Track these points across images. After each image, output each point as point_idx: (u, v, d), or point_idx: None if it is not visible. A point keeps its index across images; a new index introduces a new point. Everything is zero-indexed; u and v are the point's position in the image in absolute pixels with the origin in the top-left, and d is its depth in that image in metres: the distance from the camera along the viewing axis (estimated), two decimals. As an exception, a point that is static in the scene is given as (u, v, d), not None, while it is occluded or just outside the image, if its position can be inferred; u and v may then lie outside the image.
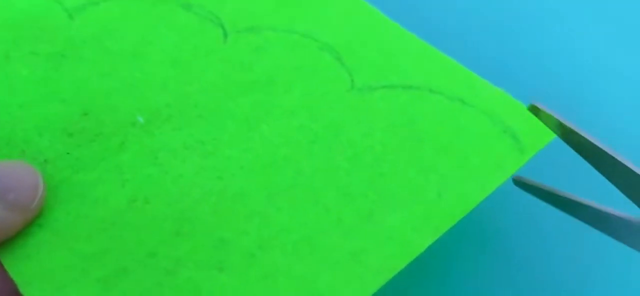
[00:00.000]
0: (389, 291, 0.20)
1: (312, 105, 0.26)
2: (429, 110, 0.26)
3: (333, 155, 0.23)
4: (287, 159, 0.23)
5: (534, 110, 0.25)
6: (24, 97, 0.24)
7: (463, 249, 0.30)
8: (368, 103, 0.26)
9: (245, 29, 0.29)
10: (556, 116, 0.24)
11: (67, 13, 0.28)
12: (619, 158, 0.22)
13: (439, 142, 0.24)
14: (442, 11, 0.43)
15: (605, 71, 0.40)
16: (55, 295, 0.19)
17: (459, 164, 0.23)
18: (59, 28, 0.27)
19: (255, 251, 0.20)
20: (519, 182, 0.27)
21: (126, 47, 0.27)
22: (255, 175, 0.23)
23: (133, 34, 0.28)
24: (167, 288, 0.19)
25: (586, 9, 0.45)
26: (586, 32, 0.43)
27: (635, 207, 0.23)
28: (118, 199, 0.22)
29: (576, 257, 0.30)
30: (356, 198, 0.22)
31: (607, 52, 0.42)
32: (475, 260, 0.30)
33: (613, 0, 0.46)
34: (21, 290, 0.19)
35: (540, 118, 0.25)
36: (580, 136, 0.23)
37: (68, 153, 0.23)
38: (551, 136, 0.25)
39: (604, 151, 0.23)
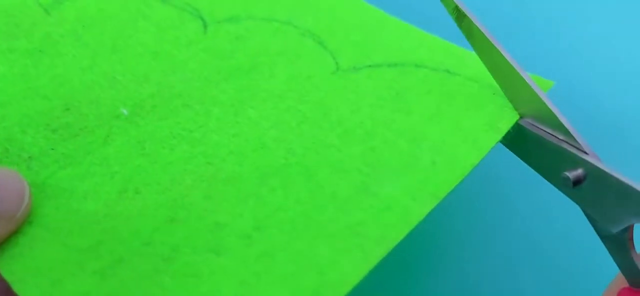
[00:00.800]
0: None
1: (299, 88, 0.25)
2: (415, 83, 0.26)
3: (323, 134, 0.23)
4: (276, 140, 0.23)
5: None
6: (3, 95, 0.23)
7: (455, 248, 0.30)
8: (354, 82, 0.26)
9: (224, 19, 0.29)
10: (455, 0, 0.24)
11: (42, 8, 0.27)
12: (502, 50, 0.23)
13: (428, 112, 0.24)
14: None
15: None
16: (52, 290, 0.18)
17: (451, 130, 0.23)
18: (35, 24, 0.26)
19: (251, 233, 0.19)
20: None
21: (105, 41, 0.26)
22: (246, 158, 0.22)
23: (111, 28, 0.27)
24: (165, 274, 0.18)
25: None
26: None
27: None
28: (108, 191, 0.21)
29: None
30: (350, 173, 0.22)
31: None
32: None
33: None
34: (15, 288, 0.18)
35: (442, 2, 0.25)
36: (470, 20, 0.24)
37: (53, 149, 0.22)
38: (546, 87, 0.25)
39: (490, 42, 0.24)
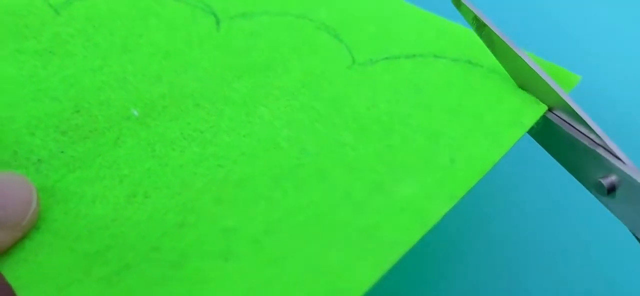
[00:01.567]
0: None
1: (313, 84, 0.25)
2: (435, 76, 0.25)
3: (338, 131, 0.23)
4: (289, 140, 0.22)
5: (456, 2, 0.25)
6: (12, 97, 0.23)
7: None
8: (371, 76, 0.25)
9: (237, 15, 0.28)
10: (474, 10, 0.24)
11: (52, 8, 0.27)
12: (516, 49, 0.23)
13: (448, 106, 0.23)
14: None
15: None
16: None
17: (472, 125, 0.22)
18: (45, 24, 0.26)
19: (260, 237, 0.19)
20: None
21: (116, 40, 0.26)
22: (258, 159, 0.22)
23: (121, 27, 0.27)
24: (173, 281, 0.18)
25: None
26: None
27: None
28: (117, 195, 0.21)
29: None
30: (364, 172, 0.21)
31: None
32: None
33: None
34: (19, 294, 0.18)
35: (460, 10, 0.25)
36: (490, 30, 0.24)
37: (62, 152, 0.22)
38: (573, 82, 0.24)
39: (512, 50, 0.23)
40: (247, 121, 0.23)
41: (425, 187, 0.20)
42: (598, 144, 0.22)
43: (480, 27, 0.24)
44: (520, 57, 0.23)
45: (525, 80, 0.24)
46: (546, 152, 0.24)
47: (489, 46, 0.24)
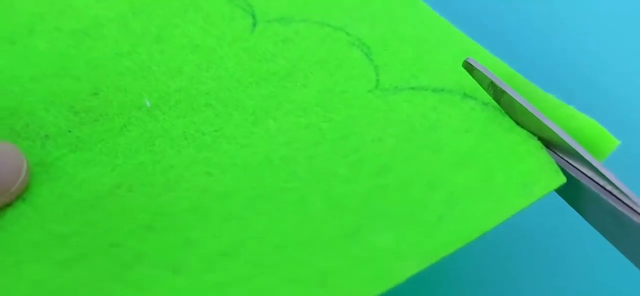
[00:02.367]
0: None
1: (327, 103, 0.24)
2: (456, 116, 0.23)
3: (334, 160, 0.21)
4: (284, 159, 0.22)
5: (468, 67, 0.23)
6: (37, 71, 0.24)
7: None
8: (389, 105, 0.24)
9: (276, 19, 0.28)
10: (490, 76, 0.22)
11: None
12: (540, 117, 0.21)
13: (458, 154, 0.21)
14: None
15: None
16: (11, 269, 0.18)
17: (476, 181, 0.20)
18: (88, 5, 0.27)
19: (216, 258, 0.18)
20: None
21: (151, 29, 0.26)
22: (246, 174, 0.21)
23: (160, 16, 0.27)
24: (117, 282, 0.18)
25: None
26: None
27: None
28: (103, 183, 0.21)
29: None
30: (345, 211, 0.20)
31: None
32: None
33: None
34: None
35: (473, 76, 0.23)
36: (510, 97, 0.22)
37: (69, 132, 0.23)
38: (611, 146, 0.22)
39: (528, 110, 0.22)
40: (250, 131, 0.23)
41: (401, 243, 0.19)
42: (619, 200, 0.20)
43: (497, 93, 0.22)
44: (544, 123, 0.21)
45: (552, 142, 0.21)
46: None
47: (509, 113, 0.23)
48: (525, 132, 0.22)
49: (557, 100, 0.24)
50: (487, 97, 0.23)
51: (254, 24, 0.27)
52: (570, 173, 0.21)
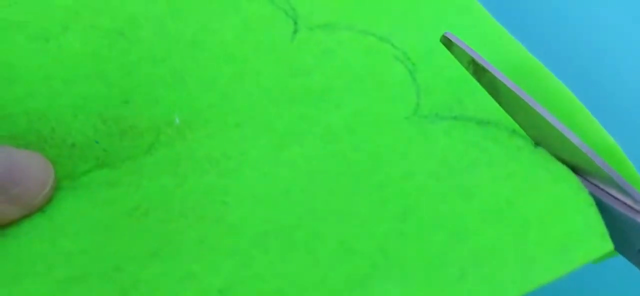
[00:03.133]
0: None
1: (359, 128, 0.22)
2: (499, 157, 0.21)
3: (355, 197, 0.20)
4: (304, 193, 0.21)
5: (447, 42, 0.21)
6: (70, 73, 0.24)
7: None
8: (426, 136, 0.22)
9: (319, 26, 0.26)
10: (469, 51, 0.21)
11: None
12: (530, 101, 0.20)
13: (494, 201, 0.20)
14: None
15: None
16: (10, 281, 0.18)
17: (508, 238, 0.19)
18: (124, 3, 0.26)
19: (213, 294, 0.18)
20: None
21: (186, 32, 0.26)
22: (262, 207, 0.20)
23: (198, 18, 0.26)
24: None
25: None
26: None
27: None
28: (125, 205, 0.21)
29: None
30: (357, 256, 0.18)
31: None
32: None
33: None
34: None
35: (452, 52, 0.21)
36: (493, 76, 0.20)
37: (97, 142, 0.22)
38: (617, 154, 0.21)
39: (514, 93, 0.20)
40: (275, 157, 0.22)
41: None
42: (629, 207, 0.19)
43: (478, 72, 0.21)
44: (532, 108, 0.20)
45: (543, 135, 0.20)
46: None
47: (493, 95, 0.21)
48: (576, 181, 0.20)
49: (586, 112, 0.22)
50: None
51: (295, 31, 0.26)
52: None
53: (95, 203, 0.21)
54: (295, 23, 0.26)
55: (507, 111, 0.21)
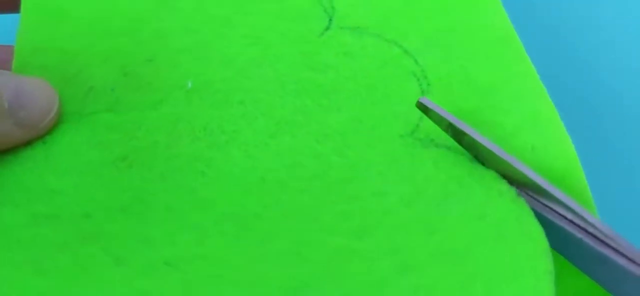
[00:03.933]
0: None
1: (350, 135, 0.22)
2: (478, 197, 0.20)
3: (324, 203, 0.20)
4: (276, 185, 0.21)
5: (422, 107, 0.21)
6: (108, 24, 0.25)
7: None
8: (413, 159, 0.21)
9: (350, 27, 0.26)
10: (446, 116, 0.20)
11: None
12: (510, 160, 0.20)
13: (456, 243, 0.19)
14: None
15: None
16: None
17: (460, 285, 0.18)
18: None
19: (159, 264, 0.19)
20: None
21: (223, 11, 0.26)
22: (234, 187, 0.21)
23: (236, 1, 0.27)
24: (66, 253, 0.19)
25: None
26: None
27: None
28: (114, 152, 0.22)
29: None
30: (302, 263, 0.19)
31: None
32: None
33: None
34: None
35: (430, 117, 0.21)
36: (472, 138, 0.20)
37: (112, 90, 0.24)
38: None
39: (494, 153, 0.20)
40: (264, 142, 0.22)
41: None
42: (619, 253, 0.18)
43: (458, 135, 0.21)
44: (512, 165, 0.20)
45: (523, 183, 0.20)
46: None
47: (474, 155, 0.21)
48: (544, 245, 0.18)
49: None
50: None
51: (327, 28, 0.26)
52: (547, 215, 0.19)
53: (90, 144, 0.22)
54: (330, 20, 0.26)
55: (488, 166, 0.21)
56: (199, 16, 0.26)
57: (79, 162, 0.22)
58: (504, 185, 0.20)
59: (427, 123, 0.22)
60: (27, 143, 0.22)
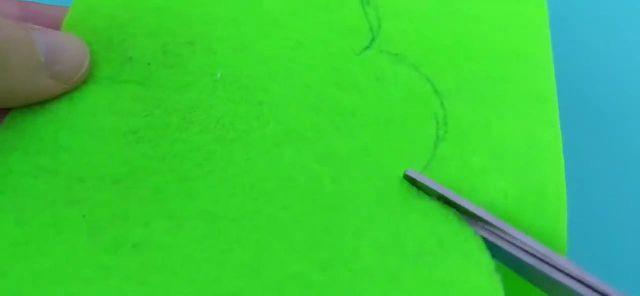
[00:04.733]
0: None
1: (353, 165, 0.22)
2: (454, 262, 0.20)
3: (300, 226, 0.20)
4: (262, 194, 0.21)
5: (411, 180, 0.21)
6: (161, 3, 0.26)
7: None
8: (404, 205, 0.21)
9: (390, 52, 0.25)
10: (435, 187, 0.20)
11: None
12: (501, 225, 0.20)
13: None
14: None
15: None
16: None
17: None
18: None
19: (128, 247, 0.19)
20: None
21: (274, 10, 0.26)
22: (222, 188, 0.21)
23: (289, 2, 0.27)
24: (49, 212, 0.20)
25: None
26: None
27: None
28: (128, 124, 0.23)
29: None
30: (255, 282, 0.19)
31: None
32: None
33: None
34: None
35: (419, 188, 0.21)
36: (463, 207, 0.20)
37: (149, 65, 0.25)
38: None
39: (485, 219, 0.20)
40: (267, 150, 0.23)
41: None
42: None
43: (450, 204, 0.20)
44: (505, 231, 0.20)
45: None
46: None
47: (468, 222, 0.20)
48: None
49: None
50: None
51: (367, 48, 0.25)
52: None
53: (111, 110, 0.23)
54: (372, 40, 0.26)
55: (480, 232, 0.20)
56: (250, 9, 0.27)
57: (93, 125, 0.23)
58: (485, 257, 0.19)
59: (434, 172, 0.21)
60: (59, 96, 0.23)
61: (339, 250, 0.19)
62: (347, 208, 0.21)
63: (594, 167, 0.26)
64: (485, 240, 0.19)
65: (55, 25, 0.25)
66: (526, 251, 0.19)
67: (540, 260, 0.19)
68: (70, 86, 0.23)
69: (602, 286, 0.18)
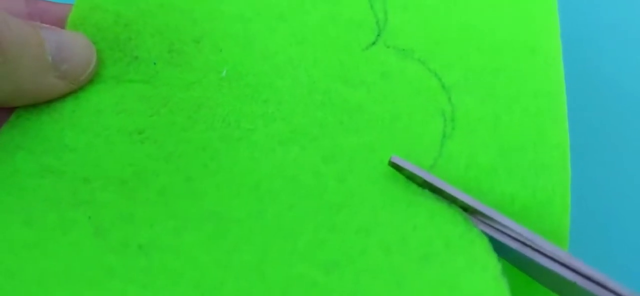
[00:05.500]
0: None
1: (357, 162, 0.22)
2: (459, 265, 0.19)
3: (304, 225, 0.20)
4: (266, 193, 0.21)
5: (396, 167, 0.21)
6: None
7: None
8: (409, 205, 0.21)
9: (396, 47, 0.25)
10: (419, 173, 0.20)
11: None
12: (483, 209, 0.20)
13: None
14: None
15: None
16: (5, 150, 0.21)
17: None
18: None
19: (133, 248, 0.19)
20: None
21: (280, 5, 0.26)
22: (227, 188, 0.22)
23: None
24: (54, 211, 0.20)
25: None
26: None
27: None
28: (134, 123, 0.23)
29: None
30: (258, 282, 0.18)
31: None
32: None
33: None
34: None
35: (403, 175, 0.21)
36: (448, 193, 0.20)
37: (154, 64, 0.25)
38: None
39: (470, 205, 0.20)
40: (272, 149, 0.22)
41: None
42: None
43: (435, 191, 0.20)
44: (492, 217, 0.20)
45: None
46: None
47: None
48: None
49: None
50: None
51: (374, 43, 0.25)
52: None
53: (116, 110, 0.23)
54: (378, 35, 0.25)
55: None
56: (256, 4, 0.26)
57: (98, 125, 0.23)
58: (491, 260, 0.18)
59: (440, 169, 0.21)
60: (65, 95, 0.23)
61: (344, 250, 0.19)
62: (351, 207, 0.20)
63: (595, 165, 0.25)
64: (489, 237, 0.19)
65: (61, 23, 0.25)
66: (532, 248, 0.19)
67: (546, 256, 0.19)
68: (77, 85, 0.23)
69: (611, 284, 0.18)
